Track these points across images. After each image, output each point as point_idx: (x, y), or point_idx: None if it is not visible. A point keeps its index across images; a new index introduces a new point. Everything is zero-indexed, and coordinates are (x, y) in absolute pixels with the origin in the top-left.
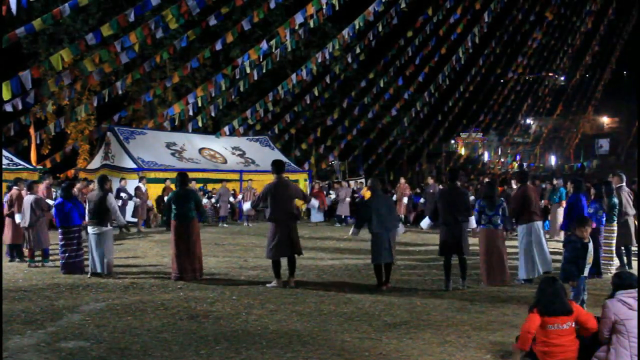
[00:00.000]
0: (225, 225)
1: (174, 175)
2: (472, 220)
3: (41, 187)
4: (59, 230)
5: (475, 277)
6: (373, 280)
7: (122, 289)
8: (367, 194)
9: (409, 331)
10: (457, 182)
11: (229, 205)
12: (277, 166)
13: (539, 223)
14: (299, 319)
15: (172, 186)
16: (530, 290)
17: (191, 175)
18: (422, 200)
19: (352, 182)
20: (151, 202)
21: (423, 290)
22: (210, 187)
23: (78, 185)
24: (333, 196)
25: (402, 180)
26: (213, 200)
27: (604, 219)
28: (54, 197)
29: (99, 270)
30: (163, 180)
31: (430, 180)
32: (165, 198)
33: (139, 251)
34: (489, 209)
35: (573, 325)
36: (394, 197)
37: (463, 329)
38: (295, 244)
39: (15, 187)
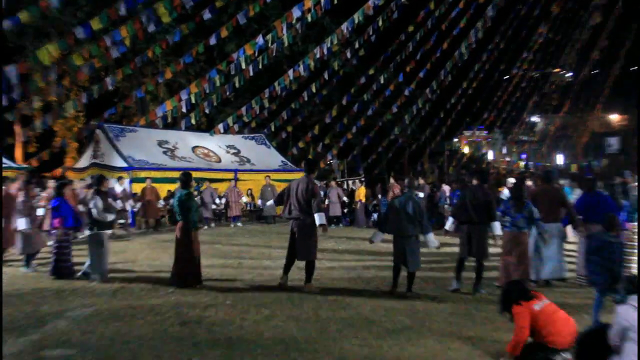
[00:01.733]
0: (206, 227)
1: (166, 174)
2: (497, 225)
3: (13, 187)
4: (52, 232)
5: (484, 281)
6: (373, 284)
7: (110, 294)
8: (360, 193)
9: (411, 338)
10: (485, 184)
11: (213, 206)
12: (307, 165)
13: (550, 225)
14: (295, 324)
15: (154, 185)
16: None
17: None
18: (418, 194)
19: (350, 182)
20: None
21: (425, 294)
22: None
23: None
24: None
25: (392, 181)
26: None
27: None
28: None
29: (84, 271)
30: (155, 181)
31: (421, 181)
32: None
33: (128, 254)
34: (516, 210)
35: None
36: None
37: (468, 335)
38: (298, 249)
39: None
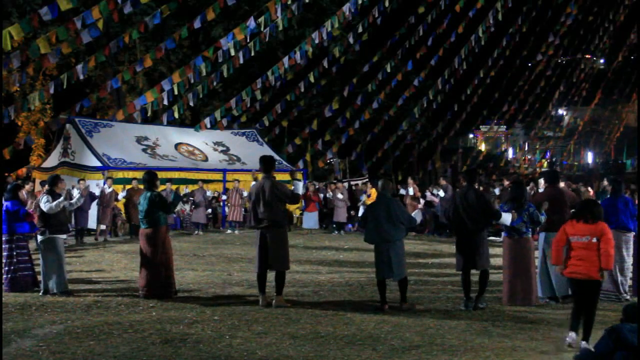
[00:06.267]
0: (200, 232)
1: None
2: (506, 216)
3: None
4: (4, 239)
5: (498, 295)
6: (378, 298)
7: (84, 309)
8: (372, 195)
9: (421, 357)
10: (475, 184)
11: (209, 210)
12: (265, 163)
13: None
14: (291, 342)
15: (141, 186)
16: (562, 311)
17: (167, 174)
18: (439, 192)
19: (357, 183)
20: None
21: (437, 309)
22: (190, 188)
23: (27, 186)
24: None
25: (410, 181)
26: (187, 206)
27: None
28: None
29: (43, 286)
30: (130, 181)
31: (443, 182)
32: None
33: (103, 264)
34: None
35: (594, 241)
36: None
37: (484, 355)
38: (271, 258)
39: None
